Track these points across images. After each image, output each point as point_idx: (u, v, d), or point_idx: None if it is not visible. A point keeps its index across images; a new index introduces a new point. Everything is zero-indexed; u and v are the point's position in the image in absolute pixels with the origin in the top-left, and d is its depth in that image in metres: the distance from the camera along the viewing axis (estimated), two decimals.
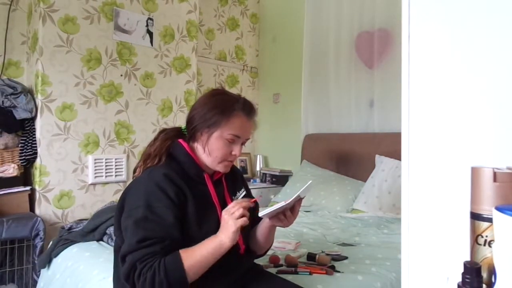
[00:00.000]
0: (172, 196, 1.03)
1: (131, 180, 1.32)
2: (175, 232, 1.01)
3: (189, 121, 1.17)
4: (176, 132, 1.21)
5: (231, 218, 1.00)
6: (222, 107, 1.12)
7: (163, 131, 1.21)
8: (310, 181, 1.16)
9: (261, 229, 1.21)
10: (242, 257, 1.19)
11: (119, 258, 1.01)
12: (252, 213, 1.14)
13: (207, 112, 1.12)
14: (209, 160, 1.13)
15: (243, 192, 1.25)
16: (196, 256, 0.98)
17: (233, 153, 1.13)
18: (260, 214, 1.07)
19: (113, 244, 1.76)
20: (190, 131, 1.16)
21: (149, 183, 1.04)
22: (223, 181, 1.21)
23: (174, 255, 0.98)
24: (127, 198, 1.07)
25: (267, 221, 1.17)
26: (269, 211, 1.05)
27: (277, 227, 1.22)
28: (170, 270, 0.95)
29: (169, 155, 1.15)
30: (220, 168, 1.14)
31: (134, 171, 1.16)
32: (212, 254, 0.99)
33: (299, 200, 1.13)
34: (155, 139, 1.18)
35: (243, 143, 1.16)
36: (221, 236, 1.00)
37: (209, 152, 1.12)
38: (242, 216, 1.00)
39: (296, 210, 1.14)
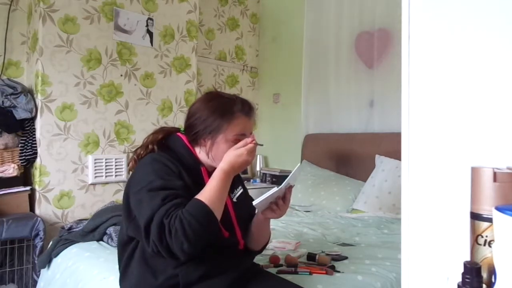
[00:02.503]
0: (176, 172, 1.07)
1: None
2: (188, 195, 1.03)
3: (189, 127, 1.17)
4: (173, 129, 1.23)
5: (231, 149, 1.07)
6: (222, 111, 1.13)
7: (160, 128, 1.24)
8: (299, 164, 1.18)
9: (256, 223, 1.23)
10: (241, 254, 1.20)
11: (142, 230, 0.98)
12: (248, 208, 1.15)
13: (207, 118, 1.13)
14: (215, 164, 1.12)
15: (240, 190, 1.26)
16: (207, 191, 1.01)
17: None
18: (254, 203, 1.09)
19: (113, 244, 1.77)
20: (191, 137, 1.16)
21: (154, 163, 1.08)
22: None
23: (191, 200, 1.00)
24: (134, 180, 1.08)
25: (261, 214, 1.18)
26: (262, 198, 1.07)
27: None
28: (194, 209, 0.96)
29: (167, 146, 1.17)
30: None
31: (128, 164, 1.19)
32: (220, 181, 1.03)
33: (289, 188, 1.15)
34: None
35: None
36: (220, 164, 1.06)
37: (213, 157, 1.13)
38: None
39: (288, 198, 1.16)
